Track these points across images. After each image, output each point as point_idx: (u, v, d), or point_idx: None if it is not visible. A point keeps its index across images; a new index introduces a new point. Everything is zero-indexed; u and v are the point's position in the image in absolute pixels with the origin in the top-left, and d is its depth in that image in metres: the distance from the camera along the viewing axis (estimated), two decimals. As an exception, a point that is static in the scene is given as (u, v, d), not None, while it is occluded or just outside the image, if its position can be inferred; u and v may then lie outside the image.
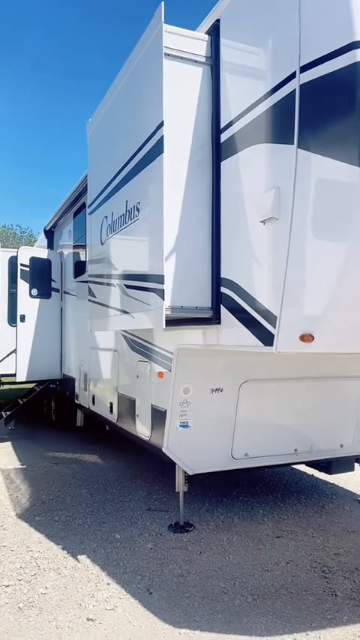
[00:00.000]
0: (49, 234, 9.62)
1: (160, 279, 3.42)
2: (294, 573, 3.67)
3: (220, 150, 3.49)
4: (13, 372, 8.47)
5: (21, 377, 8.30)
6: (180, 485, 4.39)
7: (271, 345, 2.91)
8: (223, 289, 3.47)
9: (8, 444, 7.82)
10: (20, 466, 6.57)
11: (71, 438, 8.15)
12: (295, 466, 5.93)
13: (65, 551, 4.01)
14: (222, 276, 3.48)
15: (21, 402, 9.02)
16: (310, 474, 5.99)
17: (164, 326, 3.36)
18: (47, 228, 9.63)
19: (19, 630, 2.98)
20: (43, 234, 10.12)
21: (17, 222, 49.25)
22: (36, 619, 3.09)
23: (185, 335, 4.05)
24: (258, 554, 3.97)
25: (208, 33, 3.59)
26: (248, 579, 3.58)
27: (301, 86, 2.70)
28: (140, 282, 3.86)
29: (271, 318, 2.93)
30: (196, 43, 3.54)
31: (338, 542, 4.22)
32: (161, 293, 3.39)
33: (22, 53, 64.84)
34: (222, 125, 3.47)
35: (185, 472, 4.31)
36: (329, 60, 2.58)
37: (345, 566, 3.79)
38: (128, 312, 4.19)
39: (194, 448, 4.26)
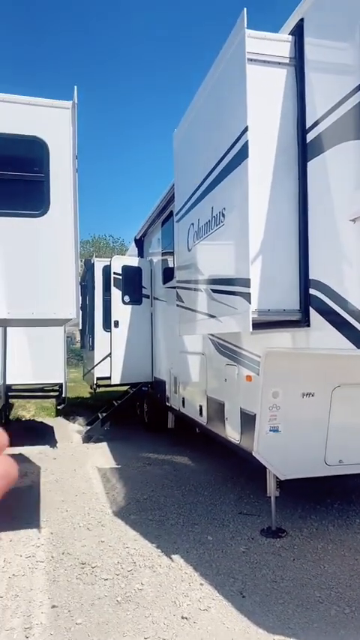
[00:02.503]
0: (139, 242, 9.96)
1: (246, 282, 3.43)
2: (395, 587, 3.49)
3: (306, 150, 3.44)
4: (108, 375, 8.88)
5: (115, 380, 8.68)
6: (271, 489, 4.34)
7: (365, 347, 2.81)
8: (311, 291, 3.40)
9: (104, 445, 8.19)
10: (115, 466, 6.86)
11: (163, 439, 8.35)
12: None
13: (159, 550, 4.13)
14: (310, 277, 3.42)
15: (116, 404, 9.41)
16: None
17: (251, 329, 3.37)
18: (137, 237, 9.98)
19: (118, 622, 3.12)
20: (133, 242, 10.50)
21: (110, 232, 51.60)
22: (133, 613, 3.22)
23: (273, 338, 4.02)
24: (355, 565, 3.82)
25: (291, 33, 3.55)
26: (345, 590, 3.46)
27: (391, 78, 2.59)
28: (226, 287, 3.89)
29: (363, 319, 2.83)
30: (280, 45, 3.52)
31: None
32: (247, 296, 3.40)
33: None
34: (307, 125, 3.41)
35: (276, 477, 4.26)
36: None
37: None
38: (215, 316, 4.24)
39: (285, 453, 4.20)
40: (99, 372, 9.89)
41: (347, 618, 3.12)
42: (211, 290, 4.32)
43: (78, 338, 19.36)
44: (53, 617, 3.19)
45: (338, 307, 3.10)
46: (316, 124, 3.31)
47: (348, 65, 3.04)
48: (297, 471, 4.29)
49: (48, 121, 4.46)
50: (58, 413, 11.05)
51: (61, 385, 9.34)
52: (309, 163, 3.41)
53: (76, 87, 4.48)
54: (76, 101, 4.47)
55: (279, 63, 3.51)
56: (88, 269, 11.22)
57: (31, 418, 10.93)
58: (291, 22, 3.57)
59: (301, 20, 3.47)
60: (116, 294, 8.75)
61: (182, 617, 3.16)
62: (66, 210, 4.45)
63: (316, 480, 4.57)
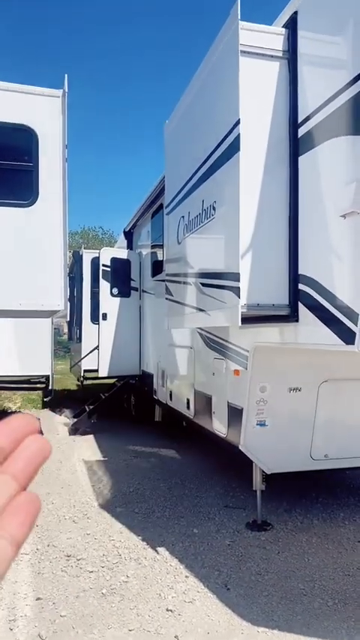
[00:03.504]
0: (129, 235, 9.90)
1: (235, 276, 3.42)
2: (377, 580, 3.54)
3: (297, 145, 3.43)
4: (96, 368, 8.84)
5: (103, 372, 8.65)
6: (257, 483, 4.37)
7: (353, 343, 2.82)
8: (301, 286, 3.41)
9: (91, 437, 8.17)
10: (102, 458, 6.85)
11: (150, 432, 8.36)
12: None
13: (145, 543, 4.13)
14: (300, 272, 3.42)
15: (103, 397, 9.38)
16: None
17: (240, 324, 3.36)
18: (127, 230, 9.92)
19: (102, 615, 3.13)
20: (122, 235, 10.44)
21: (99, 224, 51.26)
22: (118, 605, 3.23)
23: (261, 333, 4.02)
24: (339, 558, 3.87)
25: (285, 26, 3.53)
26: (328, 583, 3.50)
27: (384, 74, 2.59)
28: (216, 280, 3.88)
29: (352, 315, 2.84)
30: (273, 37, 3.49)
31: None
32: (237, 291, 3.39)
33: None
34: (299, 119, 3.40)
35: (262, 471, 4.29)
36: None
37: None
38: (204, 310, 4.23)
39: (272, 447, 4.23)
40: (86, 364, 9.84)
41: (330, 610, 3.16)
42: (201, 284, 4.31)
43: (65, 330, 19.25)
44: (38, 610, 3.18)
45: (327, 303, 3.11)
46: (307, 118, 3.30)
47: (341, 60, 3.03)
48: (283, 465, 4.32)
49: (38, 109, 4.40)
50: (45, 405, 10.99)
51: (47, 377, 9.28)
52: (300, 158, 3.40)
53: (66, 75, 4.41)
54: (66, 89, 4.41)
55: (272, 56, 3.48)
56: (77, 261, 11.15)
57: (18, 410, 10.85)
58: (285, 15, 3.54)
59: (295, 13, 3.44)
60: (105, 286, 8.69)
61: (167, 610, 3.18)
62: (55, 200, 4.40)
63: (302, 474, 4.61)
